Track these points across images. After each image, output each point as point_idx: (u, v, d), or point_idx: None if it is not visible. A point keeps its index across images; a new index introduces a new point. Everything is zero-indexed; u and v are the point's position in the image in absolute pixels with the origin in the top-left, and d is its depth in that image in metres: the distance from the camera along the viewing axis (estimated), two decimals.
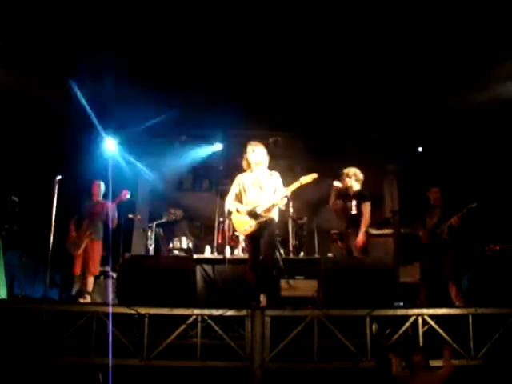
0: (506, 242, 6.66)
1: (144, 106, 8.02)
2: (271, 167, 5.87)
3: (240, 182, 5.69)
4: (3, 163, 6.99)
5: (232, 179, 5.91)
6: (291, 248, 8.00)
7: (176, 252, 8.02)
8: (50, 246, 6.20)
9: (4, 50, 6.45)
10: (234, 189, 5.70)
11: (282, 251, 7.54)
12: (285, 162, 9.14)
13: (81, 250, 6.72)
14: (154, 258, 6.64)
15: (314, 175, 5.49)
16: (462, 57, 6.84)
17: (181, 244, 8.07)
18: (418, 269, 6.74)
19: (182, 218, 8.82)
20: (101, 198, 7.13)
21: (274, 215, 5.53)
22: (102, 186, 7.16)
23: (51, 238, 6.19)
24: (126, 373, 4.67)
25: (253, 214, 5.46)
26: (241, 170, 5.84)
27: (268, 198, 5.48)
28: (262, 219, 5.44)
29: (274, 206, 5.47)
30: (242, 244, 7.70)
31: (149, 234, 8.20)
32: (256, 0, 6.16)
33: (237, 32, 6.60)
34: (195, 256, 7.28)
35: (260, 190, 5.56)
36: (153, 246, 8.15)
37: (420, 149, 8.88)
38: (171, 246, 8.11)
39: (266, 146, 5.85)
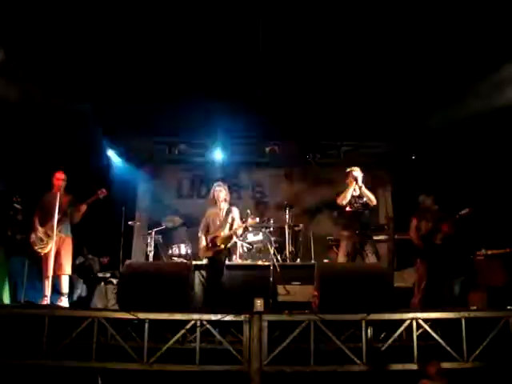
0: (496, 246, 6.73)
1: (143, 113, 8.09)
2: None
3: (208, 216, 6.73)
4: (6, 170, 6.96)
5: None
6: (288, 254, 8.01)
7: (175, 258, 8.03)
8: (53, 251, 6.21)
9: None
10: (203, 221, 6.74)
11: (279, 257, 7.56)
12: (281, 171, 9.41)
13: (49, 248, 6.24)
14: (153, 265, 6.64)
15: (257, 219, 6.57)
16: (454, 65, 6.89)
17: (179, 250, 8.05)
18: (412, 274, 6.81)
19: (181, 225, 8.86)
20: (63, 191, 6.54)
21: (229, 245, 6.63)
22: (64, 177, 6.60)
23: (54, 243, 6.20)
24: (126, 377, 4.71)
25: (212, 243, 6.52)
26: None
27: (226, 231, 6.52)
28: (217, 248, 6.48)
29: (230, 236, 6.54)
30: (240, 251, 7.74)
31: (148, 240, 8.23)
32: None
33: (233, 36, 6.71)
34: (194, 262, 7.28)
35: (221, 222, 6.58)
36: (152, 252, 8.15)
37: (413, 156, 8.97)
38: (170, 252, 8.13)
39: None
